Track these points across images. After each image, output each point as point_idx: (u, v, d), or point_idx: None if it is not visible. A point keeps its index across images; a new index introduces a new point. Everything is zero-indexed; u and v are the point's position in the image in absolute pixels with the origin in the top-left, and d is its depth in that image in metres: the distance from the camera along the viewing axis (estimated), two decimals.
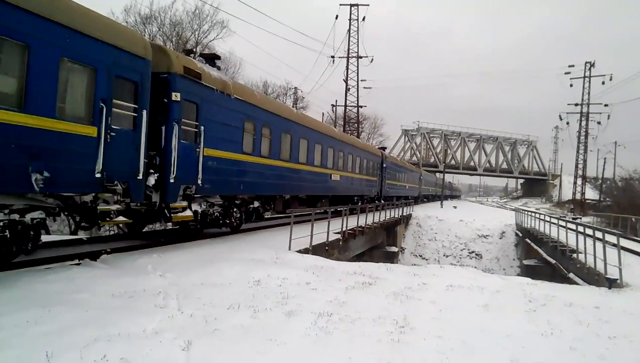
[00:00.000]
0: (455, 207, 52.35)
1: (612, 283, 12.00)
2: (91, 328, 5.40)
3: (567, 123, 66.20)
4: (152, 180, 10.50)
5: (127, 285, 7.53)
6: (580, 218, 39.96)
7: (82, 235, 18.72)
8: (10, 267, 8.06)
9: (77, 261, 9.03)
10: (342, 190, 24.92)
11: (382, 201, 31.20)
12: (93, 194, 8.88)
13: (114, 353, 4.81)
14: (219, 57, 15.07)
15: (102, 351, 4.82)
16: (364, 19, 48.87)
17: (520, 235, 30.52)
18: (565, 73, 61.66)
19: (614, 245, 13.25)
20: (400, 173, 41.91)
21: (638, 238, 24.18)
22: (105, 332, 5.33)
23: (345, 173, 24.90)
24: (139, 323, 5.75)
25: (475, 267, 21.88)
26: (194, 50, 39.81)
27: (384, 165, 34.18)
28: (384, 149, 41.72)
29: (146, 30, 38.72)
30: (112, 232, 20.72)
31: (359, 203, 26.17)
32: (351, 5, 48.61)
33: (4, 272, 7.77)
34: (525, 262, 25.85)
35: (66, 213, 9.07)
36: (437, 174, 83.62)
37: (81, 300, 6.54)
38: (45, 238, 9.38)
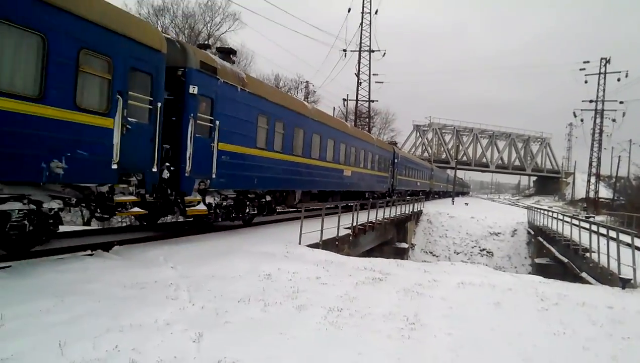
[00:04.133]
0: (466, 204, 52.09)
1: (625, 284, 11.86)
2: (103, 319, 5.45)
3: (582, 120, 65.71)
4: (167, 173, 10.47)
5: (139, 276, 7.59)
6: (594, 217, 39.55)
7: (94, 225, 18.83)
8: (27, 256, 8.15)
9: (89, 252, 9.11)
10: (353, 186, 24.62)
11: (394, 196, 30.67)
12: (109, 185, 8.92)
13: (125, 344, 4.84)
14: (234, 52, 14.51)
15: (114, 341, 4.86)
16: (376, 12, 48.66)
17: (532, 233, 30.27)
18: (580, 69, 61.07)
19: (628, 244, 13.11)
20: (411, 169, 41.83)
21: None
22: (117, 323, 5.37)
23: (357, 168, 24.66)
24: (151, 314, 5.79)
25: (487, 265, 21.71)
26: (207, 42, 40.09)
27: (396, 161, 33.99)
28: (395, 143, 41.12)
29: (159, 22, 38.86)
30: (125, 224, 20.91)
31: (370, 199, 25.76)
32: None
33: (19, 261, 7.87)
34: (537, 260, 25.65)
35: (83, 204, 9.10)
36: (448, 170, 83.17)
37: (93, 290, 6.60)
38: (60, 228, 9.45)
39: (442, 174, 74.48)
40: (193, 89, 10.80)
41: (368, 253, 19.98)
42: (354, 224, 17.27)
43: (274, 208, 16.66)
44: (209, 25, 41.40)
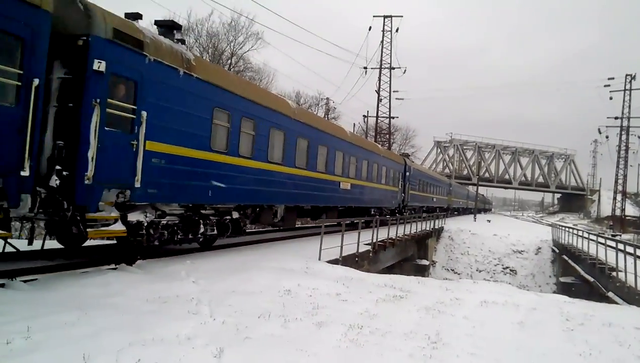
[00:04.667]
0: (489, 221, 51.42)
1: None
2: (126, 332, 5.51)
3: (607, 137, 64.76)
4: (56, 180, 7.53)
5: (161, 290, 7.66)
6: (620, 235, 38.63)
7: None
8: (52, 269, 8.32)
9: (113, 266, 9.24)
10: (354, 201, 21.97)
11: (405, 214, 28.29)
12: None
13: (148, 358, 4.88)
14: (179, 27, 10.77)
15: (137, 355, 4.90)
16: (397, 31, 48.76)
17: (557, 251, 29.70)
18: (605, 86, 60.26)
19: None
20: (426, 183, 39.19)
21: None
22: (140, 337, 5.42)
23: (358, 181, 21.78)
24: (173, 329, 5.83)
25: (510, 283, 21.37)
26: (231, 61, 40.70)
27: (407, 174, 31.32)
28: (407, 155, 38.62)
29: None
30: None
31: (376, 217, 22.23)
32: (385, 17, 48.68)
33: (44, 274, 8.03)
34: (562, 279, 25.15)
35: None
36: (470, 187, 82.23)
37: (117, 304, 6.69)
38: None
39: (462, 189, 71.96)
40: (99, 65, 7.74)
41: (388, 270, 19.83)
42: (374, 240, 17.19)
43: (242, 228, 13.29)
44: (232, 44, 41.99)
